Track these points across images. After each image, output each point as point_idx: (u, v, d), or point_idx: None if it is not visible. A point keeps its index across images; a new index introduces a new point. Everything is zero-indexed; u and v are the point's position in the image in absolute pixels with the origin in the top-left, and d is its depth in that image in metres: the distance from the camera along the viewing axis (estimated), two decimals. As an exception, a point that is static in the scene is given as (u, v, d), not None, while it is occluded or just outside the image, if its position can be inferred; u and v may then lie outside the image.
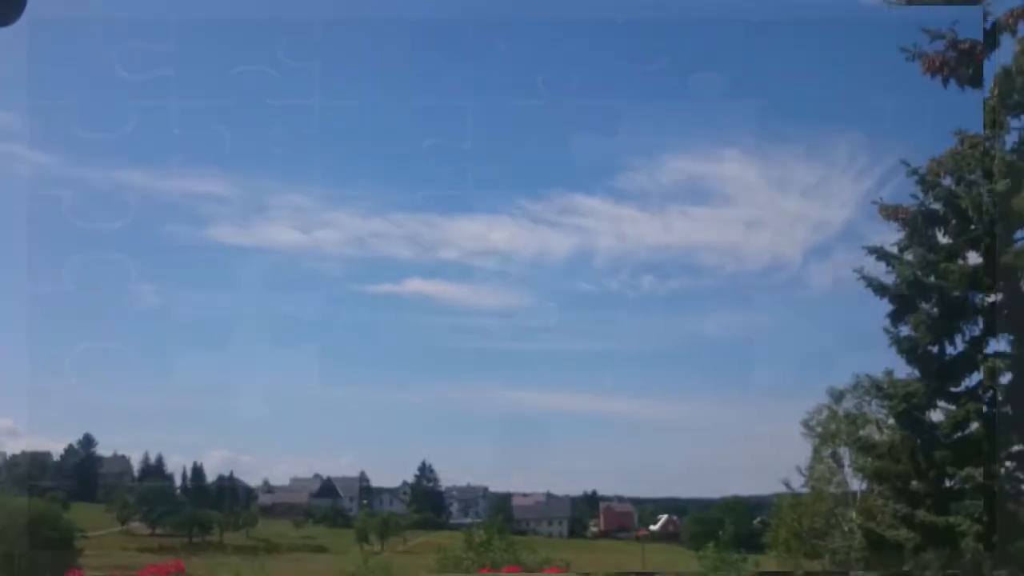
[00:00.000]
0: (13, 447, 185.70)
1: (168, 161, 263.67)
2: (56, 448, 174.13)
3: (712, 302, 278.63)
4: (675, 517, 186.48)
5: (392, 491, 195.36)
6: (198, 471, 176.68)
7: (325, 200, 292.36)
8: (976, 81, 16.60)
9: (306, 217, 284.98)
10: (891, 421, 22.84)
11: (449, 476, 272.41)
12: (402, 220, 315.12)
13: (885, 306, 19.63)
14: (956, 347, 19.22)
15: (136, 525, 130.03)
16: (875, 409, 35.66)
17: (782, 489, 44.60)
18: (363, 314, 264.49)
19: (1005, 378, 18.55)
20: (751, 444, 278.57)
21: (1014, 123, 17.97)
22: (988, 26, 17.20)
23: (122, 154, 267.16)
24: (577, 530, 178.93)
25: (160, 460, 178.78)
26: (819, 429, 42.23)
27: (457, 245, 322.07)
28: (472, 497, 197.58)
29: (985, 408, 18.61)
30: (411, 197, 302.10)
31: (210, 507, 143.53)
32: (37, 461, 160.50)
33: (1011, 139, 18.07)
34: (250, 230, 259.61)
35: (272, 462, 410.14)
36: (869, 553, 19.19)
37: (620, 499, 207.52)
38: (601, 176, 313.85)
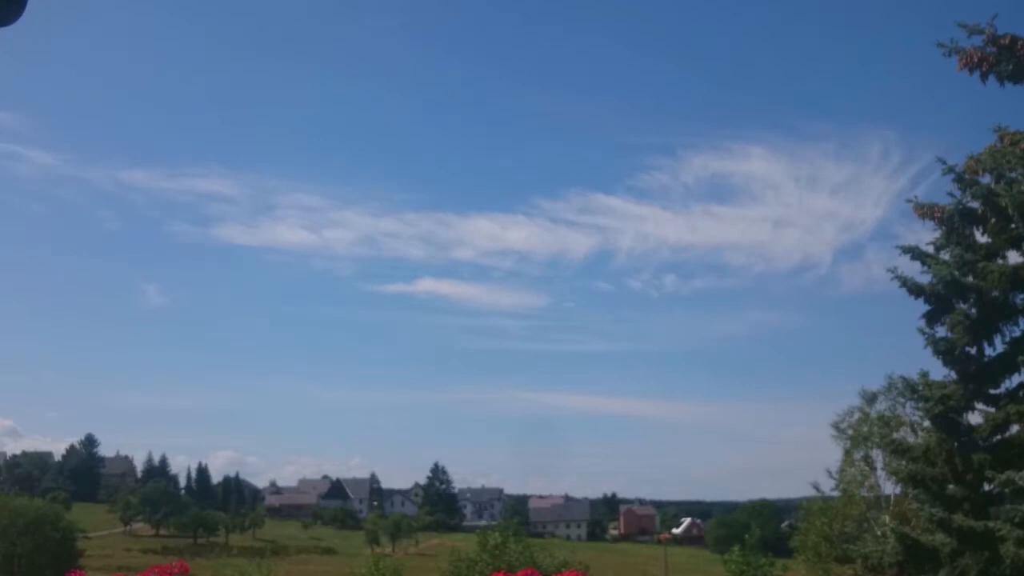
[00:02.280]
0: (14, 447, 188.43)
1: (174, 160, 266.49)
2: (58, 448, 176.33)
3: (738, 302, 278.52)
4: (699, 520, 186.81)
5: (404, 493, 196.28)
6: (203, 471, 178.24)
7: (334, 199, 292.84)
8: (1017, 77, 16.73)
9: (315, 216, 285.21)
10: (927, 423, 23.07)
11: (463, 478, 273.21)
12: (414, 219, 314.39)
13: (920, 307, 19.82)
14: (995, 348, 19.36)
15: (139, 526, 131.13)
16: (909, 411, 36.00)
17: (811, 492, 44.92)
18: (374, 314, 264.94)
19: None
20: (778, 447, 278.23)
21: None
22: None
23: (126, 153, 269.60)
24: (596, 533, 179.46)
25: (164, 460, 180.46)
26: (850, 431, 42.43)
27: (472, 244, 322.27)
28: (487, 499, 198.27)
29: (1026, 410, 18.73)
30: (424, 196, 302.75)
31: (215, 508, 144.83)
32: (38, 461, 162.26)
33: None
34: (257, 229, 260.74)
35: (279, 463, 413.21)
36: (903, 558, 19.41)
37: (641, 501, 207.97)
38: (622, 175, 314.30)
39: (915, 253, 19.91)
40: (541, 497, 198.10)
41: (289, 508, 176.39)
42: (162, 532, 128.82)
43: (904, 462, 21.46)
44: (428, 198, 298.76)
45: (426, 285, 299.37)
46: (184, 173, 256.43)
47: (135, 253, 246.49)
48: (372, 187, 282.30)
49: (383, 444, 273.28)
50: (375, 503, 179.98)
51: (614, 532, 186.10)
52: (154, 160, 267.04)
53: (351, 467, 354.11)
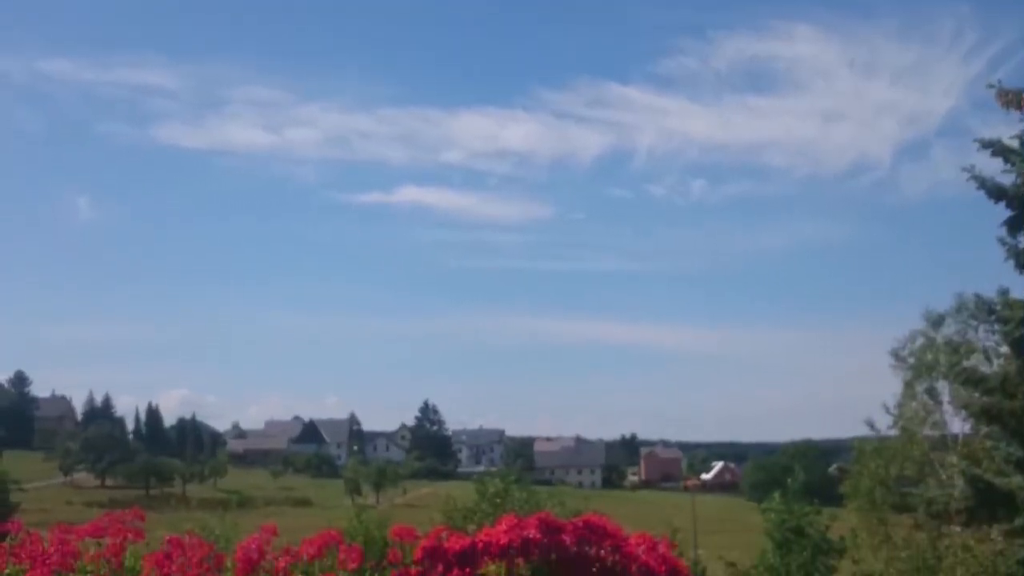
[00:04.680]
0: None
1: (102, 47, 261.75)
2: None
3: (780, 211, 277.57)
4: (732, 464, 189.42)
5: (388, 435, 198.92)
6: (153, 413, 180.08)
7: (296, 92, 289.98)
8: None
9: (273, 113, 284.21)
10: (1004, 349, 23.02)
11: (457, 418, 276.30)
12: (393, 116, 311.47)
13: (1001, 212, 19.58)
14: (1088, 259, 19.25)
15: (82, 476, 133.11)
16: (983, 335, 35.97)
17: (864, 431, 45.24)
18: (347, 228, 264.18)
19: None
20: (825, 379, 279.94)
21: None
22: None
23: (44, 39, 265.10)
24: (613, 480, 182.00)
25: (107, 401, 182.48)
26: (912, 360, 42.56)
27: (461, 145, 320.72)
28: (485, 442, 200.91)
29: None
30: (404, 88, 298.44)
31: (169, 455, 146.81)
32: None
33: None
34: (204, 129, 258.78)
35: (243, 402, 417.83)
36: (974, 504, 19.55)
37: (665, 443, 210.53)
38: (640, 59, 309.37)
39: (997, 148, 19.59)
40: (548, 439, 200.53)
41: (255, 454, 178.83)
42: (108, 483, 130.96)
43: (976, 394, 21.48)
44: (409, 90, 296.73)
45: (408, 194, 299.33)
46: (115, 62, 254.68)
47: (61, 159, 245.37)
48: (341, 77, 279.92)
49: (363, 380, 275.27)
50: (355, 447, 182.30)
51: (634, 479, 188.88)
52: (79, 47, 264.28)
53: (327, 407, 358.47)
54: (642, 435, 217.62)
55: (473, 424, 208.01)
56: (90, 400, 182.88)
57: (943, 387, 40.76)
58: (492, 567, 5.63)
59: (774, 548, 32.90)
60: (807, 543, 32.19)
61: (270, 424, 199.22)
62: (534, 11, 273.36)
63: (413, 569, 5.59)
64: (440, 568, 5.53)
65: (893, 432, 43.40)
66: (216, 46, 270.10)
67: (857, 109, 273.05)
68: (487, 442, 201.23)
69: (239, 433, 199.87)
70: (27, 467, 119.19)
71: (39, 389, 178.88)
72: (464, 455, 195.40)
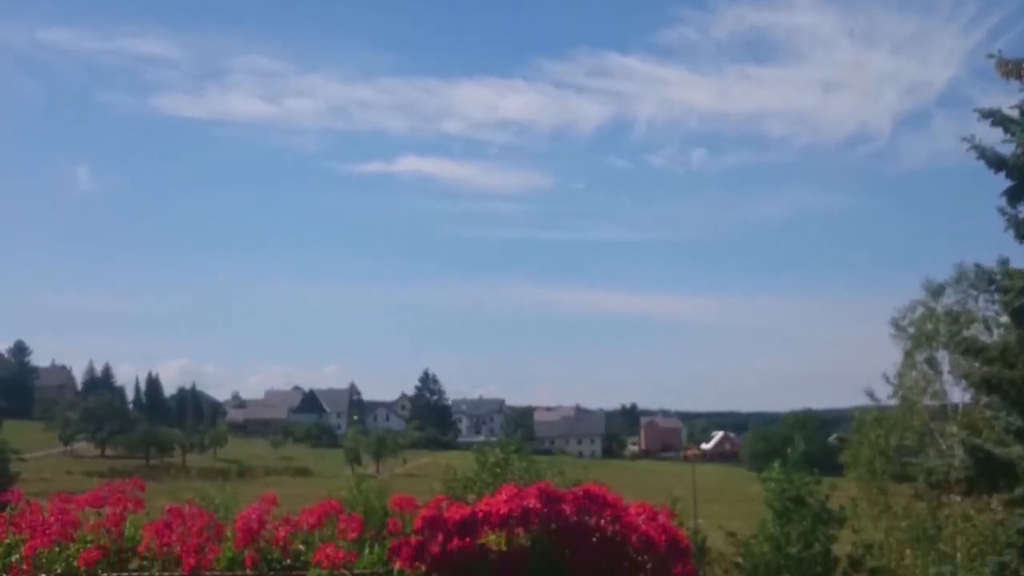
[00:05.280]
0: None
1: (103, 16, 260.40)
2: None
3: (780, 181, 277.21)
4: (732, 434, 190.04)
5: (388, 405, 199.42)
6: (153, 383, 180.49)
7: (296, 62, 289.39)
8: None
9: (274, 83, 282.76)
10: (1004, 319, 23.02)
11: (457, 388, 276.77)
12: (393, 85, 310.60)
13: (1001, 182, 19.53)
14: (1089, 229, 19.21)
15: (82, 446, 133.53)
16: (983, 305, 35.96)
17: (864, 401, 45.34)
18: (347, 198, 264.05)
19: None
20: (825, 349, 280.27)
21: None
22: None
23: (45, 7, 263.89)
24: (613, 449, 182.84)
25: (108, 370, 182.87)
26: (912, 330, 42.57)
27: (462, 115, 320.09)
28: (485, 412, 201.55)
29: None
30: (404, 57, 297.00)
31: (169, 425, 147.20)
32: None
33: None
34: (205, 99, 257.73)
35: (242, 372, 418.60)
36: (974, 473, 19.60)
37: (665, 413, 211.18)
38: (640, 29, 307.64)
39: (997, 118, 19.49)
40: (548, 409, 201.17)
41: (255, 424, 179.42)
42: (108, 452, 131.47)
43: (976, 364, 21.48)
44: (409, 60, 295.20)
45: (408, 164, 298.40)
46: (116, 32, 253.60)
47: (61, 129, 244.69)
48: (341, 47, 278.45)
49: (363, 350, 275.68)
50: (355, 417, 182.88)
51: (634, 448, 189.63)
52: (79, 17, 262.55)
53: (326, 376, 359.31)
54: (642, 405, 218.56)
55: (473, 394, 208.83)
56: (90, 370, 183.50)
57: (943, 357, 40.77)
58: (492, 536, 5.66)
59: (774, 517, 33.05)
60: (807, 512, 32.32)
61: (270, 394, 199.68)
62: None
63: (413, 538, 5.61)
64: (440, 537, 5.55)
65: (893, 402, 43.47)
66: (216, 16, 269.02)
67: (857, 79, 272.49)
68: (487, 412, 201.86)
69: (239, 403, 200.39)
70: (27, 437, 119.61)
71: (39, 359, 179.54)
72: (464, 425, 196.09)
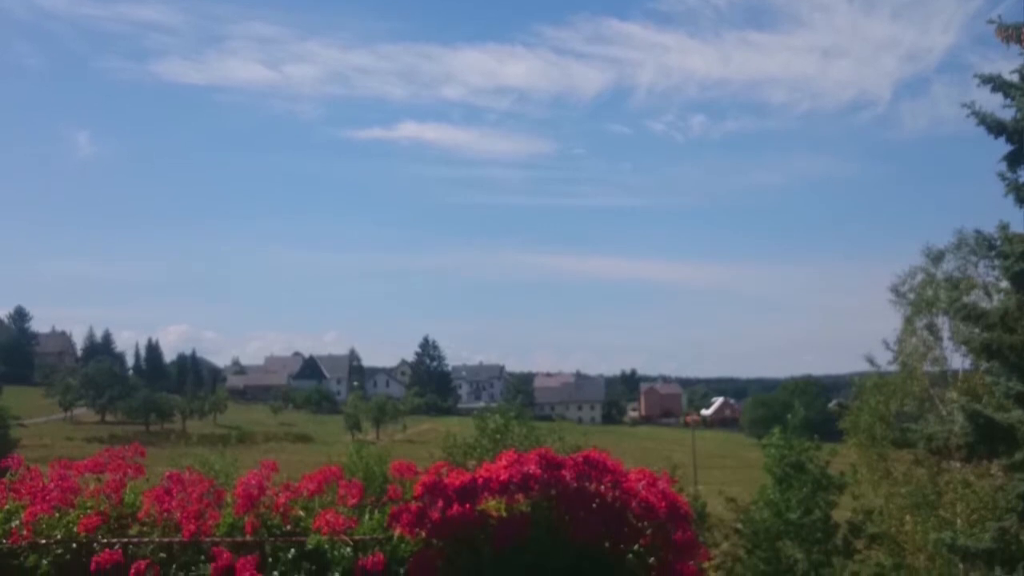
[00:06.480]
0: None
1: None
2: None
3: (780, 147, 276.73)
4: (732, 400, 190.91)
5: (388, 371, 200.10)
6: (153, 349, 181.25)
7: (296, 28, 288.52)
8: None
9: (273, 49, 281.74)
10: (1004, 284, 23.04)
11: (457, 354, 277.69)
12: (392, 52, 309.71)
13: (1001, 147, 19.54)
14: (1090, 194, 19.21)
15: (82, 412, 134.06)
16: (983, 271, 35.92)
17: (864, 367, 45.43)
18: (348, 165, 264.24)
19: None
20: (825, 315, 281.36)
21: None
22: None
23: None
24: (613, 415, 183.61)
25: (108, 336, 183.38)
26: (912, 296, 42.57)
27: (461, 81, 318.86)
28: (485, 378, 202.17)
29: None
30: (403, 23, 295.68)
31: (169, 391, 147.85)
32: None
33: None
34: (205, 65, 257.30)
35: (242, 338, 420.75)
36: (974, 439, 19.69)
37: (665, 379, 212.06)
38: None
39: (997, 83, 19.48)
40: (548, 375, 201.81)
41: (255, 390, 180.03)
42: (108, 418, 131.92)
43: (976, 330, 21.50)
44: (408, 26, 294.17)
45: (408, 130, 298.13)
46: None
47: (61, 95, 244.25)
48: (341, 13, 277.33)
49: (363, 316, 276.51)
50: (355, 383, 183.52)
51: (634, 414, 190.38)
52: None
53: (326, 343, 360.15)
54: (642, 371, 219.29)
55: (473, 360, 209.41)
56: (90, 336, 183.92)
57: (943, 323, 40.78)
58: (492, 503, 5.67)
59: (774, 483, 33.22)
60: (807, 478, 32.48)
61: (270, 360, 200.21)
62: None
63: (413, 505, 5.62)
64: (440, 504, 5.56)
65: (893, 368, 43.52)
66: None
67: (857, 45, 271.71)
68: (487, 378, 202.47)
69: (239, 369, 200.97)
70: (27, 403, 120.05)
71: (39, 325, 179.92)
72: (464, 391, 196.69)
